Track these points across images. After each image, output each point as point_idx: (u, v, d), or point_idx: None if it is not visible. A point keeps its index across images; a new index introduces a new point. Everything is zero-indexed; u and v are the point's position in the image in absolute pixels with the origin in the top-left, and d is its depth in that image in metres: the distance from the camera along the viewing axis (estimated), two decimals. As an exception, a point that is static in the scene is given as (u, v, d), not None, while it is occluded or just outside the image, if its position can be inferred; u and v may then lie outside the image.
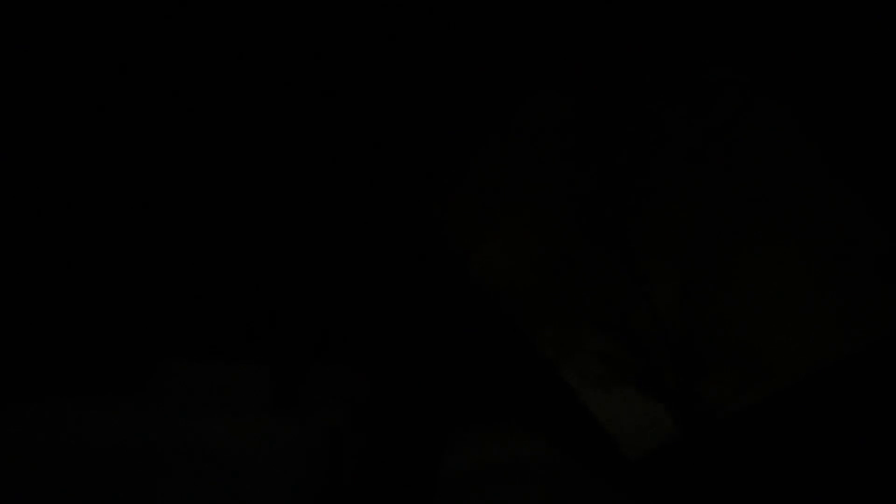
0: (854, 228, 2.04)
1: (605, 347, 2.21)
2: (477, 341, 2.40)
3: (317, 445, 1.99)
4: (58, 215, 2.42)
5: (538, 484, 2.05)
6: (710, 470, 2.08)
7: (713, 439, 2.09)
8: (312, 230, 2.52)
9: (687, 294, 2.18)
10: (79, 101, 2.48)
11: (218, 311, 2.42)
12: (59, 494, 1.75)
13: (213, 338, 2.37)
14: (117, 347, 2.31)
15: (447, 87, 2.55)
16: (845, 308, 2.11)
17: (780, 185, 2.22)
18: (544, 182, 2.38)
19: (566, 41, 2.42)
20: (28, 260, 2.35)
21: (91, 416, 1.92)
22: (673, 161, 2.32)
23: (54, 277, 2.35)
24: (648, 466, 2.13)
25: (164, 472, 1.83)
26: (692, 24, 2.36)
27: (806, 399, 2.11)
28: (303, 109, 2.56)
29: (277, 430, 2.01)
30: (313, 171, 2.53)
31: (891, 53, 2.14)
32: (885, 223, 2.04)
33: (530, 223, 2.36)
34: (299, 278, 2.47)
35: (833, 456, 2.04)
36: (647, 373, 2.16)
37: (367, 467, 2.07)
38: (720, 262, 2.19)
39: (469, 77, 2.54)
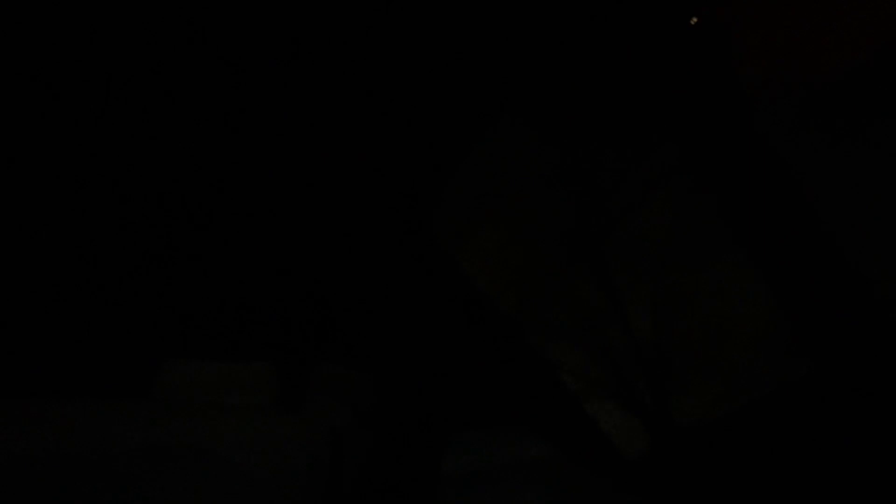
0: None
1: (581, 361, 2.30)
2: (476, 344, 2.49)
3: (319, 447, 2.08)
4: (58, 215, 2.50)
5: (539, 485, 2.14)
6: (707, 471, 2.19)
7: (688, 448, 2.19)
8: (314, 231, 2.58)
9: (658, 312, 2.25)
10: (77, 101, 2.52)
11: (221, 311, 2.51)
12: (60, 496, 1.86)
13: (216, 338, 2.46)
14: (119, 348, 2.42)
15: (439, 89, 2.54)
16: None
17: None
18: (524, 198, 2.42)
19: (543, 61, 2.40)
20: (28, 261, 2.45)
21: (92, 416, 2.00)
22: (644, 182, 2.33)
23: (55, 278, 2.44)
24: (647, 466, 2.23)
25: (165, 473, 1.93)
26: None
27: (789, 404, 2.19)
28: (298, 111, 2.57)
29: (280, 431, 2.09)
30: (315, 173, 2.56)
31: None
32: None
33: (513, 235, 2.42)
34: (302, 279, 2.55)
35: (819, 459, 2.13)
36: (620, 389, 2.25)
37: (369, 469, 2.19)
38: (690, 281, 2.24)
39: (460, 79, 2.52)
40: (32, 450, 1.95)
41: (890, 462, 2.03)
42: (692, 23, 2.29)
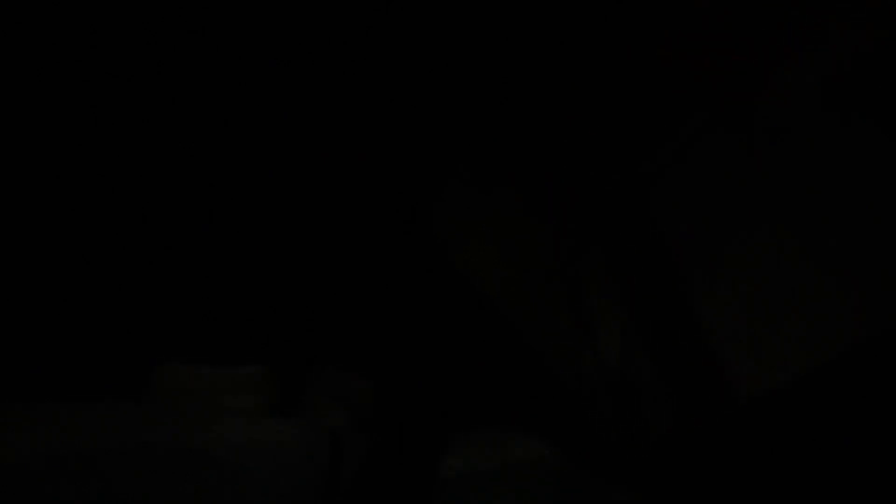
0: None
1: (575, 363, 2.31)
2: (474, 344, 2.47)
3: (317, 448, 2.03)
4: (53, 218, 2.46)
5: (538, 486, 2.10)
6: (708, 469, 2.16)
7: (686, 447, 2.18)
8: (312, 233, 2.57)
9: (627, 334, 2.28)
10: (76, 100, 2.53)
11: (219, 314, 2.46)
12: (56, 498, 1.77)
13: (213, 341, 2.41)
14: (117, 351, 2.35)
15: (439, 88, 2.60)
16: (777, 344, 2.20)
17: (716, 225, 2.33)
18: (509, 218, 2.47)
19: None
20: (24, 263, 2.40)
21: (89, 419, 1.94)
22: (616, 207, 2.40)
23: (51, 281, 2.39)
24: (647, 465, 2.19)
25: (162, 475, 1.86)
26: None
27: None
28: (297, 113, 2.61)
29: (278, 434, 2.04)
30: (314, 175, 2.58)
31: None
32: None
33: (508, 240, 2.46)
34: (299, 282, 2.53)
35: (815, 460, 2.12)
36: (589, 403, 2.26)
37: (367, 471, 2.13)
38: (659, 304, 2.28)
39: (460, 78, 2.59)
40: (28, 452, 1.89)
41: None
42: None
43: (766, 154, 2.29)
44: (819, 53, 2.22)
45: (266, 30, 2.53)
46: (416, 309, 2.50)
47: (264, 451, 1.93)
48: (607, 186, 2.42)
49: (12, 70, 2.42)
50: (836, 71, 2.21)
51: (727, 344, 2.18)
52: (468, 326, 2.48)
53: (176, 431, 1.91)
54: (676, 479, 2.15)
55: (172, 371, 2.12)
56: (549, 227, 2.46)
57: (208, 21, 2.52)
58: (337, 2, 2.54)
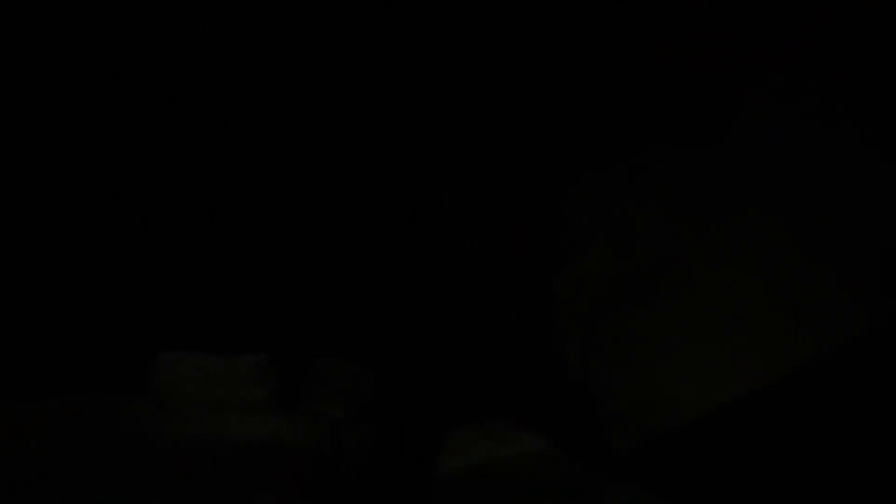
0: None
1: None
2: (472, 337, 2.49)
3: (317, 441, 2.03)
4: (53, 209, 2.45)
5: (538, 479, 2.11)
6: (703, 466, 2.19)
7: (683, 443, 2.21)
8: (312, 222, 2.58)
9: (589, 354, 2.31)
10: (74, 99, 2.52)
11: (218, 304, 2.46)
12: (54, 493, 1.77)
13: (212, 332, 2.40)
14: (114, 343, 2.34)
15: (440, 87, 2.62)
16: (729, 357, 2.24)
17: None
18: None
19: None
20: (21, 257, 2.38)
21: (86, 413, 1.93)
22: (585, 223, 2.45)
23: (47, 272, 2.38)
24: (643, 460, 2.21)
25: (160, 470, 1.86)
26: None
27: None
28: (294, 106, 2.61)
29: (277, 426, 2.03)
30: (313, 165, 2.58)
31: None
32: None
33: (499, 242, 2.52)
34: (300, 271, 2.53)
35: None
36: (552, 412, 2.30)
37: (368, 463, 2.13)
38: (621, 322, 2.32)
39: (460, 77, 2.61)
40: (24, 447, 1.88)
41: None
42: None
43: (745, 157, 2.33)
44: (817, 56, 2.27)
45: (266, 30, 2.54)
46: (416, 300, 2.51)
47: (264, 444, 1.93)
48: (587, 187, 2.46)
49: (12, 70, 2.41)
50: (834, 72, 2.25)
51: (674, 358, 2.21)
52: (465, 318, 2.49)
53: (174, 425, 1.91)
54: (675, 476, 2.17)
55: (172, 362, 2.11)
56: (545, 224, 2.49)
57: (208, 21, 2.53)
58: (337, 2, 2.55)
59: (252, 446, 1.91)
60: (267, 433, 1.95)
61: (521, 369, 2.39)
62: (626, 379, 2.23)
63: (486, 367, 2.40)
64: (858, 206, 2.18)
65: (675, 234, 2.34)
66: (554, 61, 2.52)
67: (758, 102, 2.33)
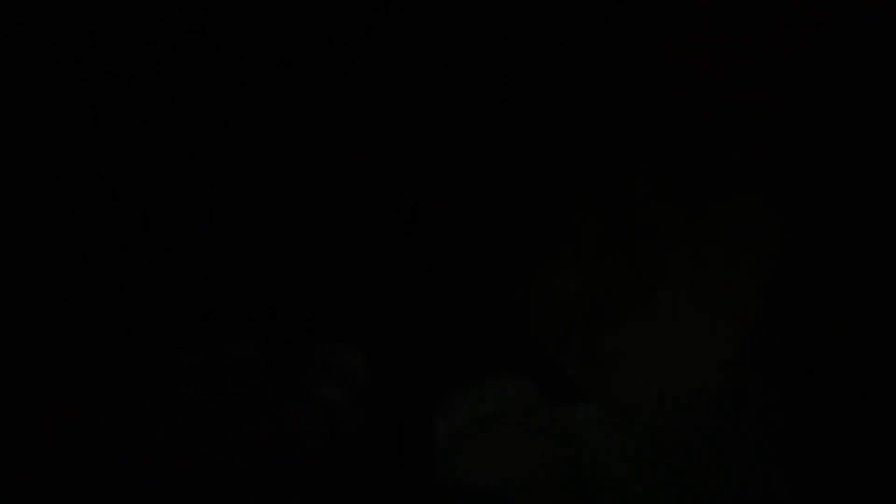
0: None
1: None
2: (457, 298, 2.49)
3: (316, 425, 2.04)
4: (55, 206, 2.45)
5: (526, 424, 2.13)
6: None
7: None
8: (314, 215, 2.58)
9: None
10: (77, 97, 2.52)
11: (216, 294, 2.46)
12: (63, 487, 1.77)
13: (207, 321, 2.40)
14: (109, 338, 2.34)
15: (440, 86, 2.62)
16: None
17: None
18: None
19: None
20: (24, 253, 2.38)
21: (85, 410, 1.94)
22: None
23: (49, 272, 2.38)
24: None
25: (161, 461, 1.86)
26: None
27: None
28: (295, 109, 2.62)
29: (276, 411, 2.04)
30: (309, 156, 2.58)
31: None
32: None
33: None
34: (295, 256, 2.53)
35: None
36: None
37: (367, 445, 2.14)
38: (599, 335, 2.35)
39: (460, 77, 2.61)
40: (30, 447, 1.88)
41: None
42: None
43: (745, 157, 2.33)
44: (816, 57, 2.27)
45: (266, 30, 2.54)
46: (413, 292, 2.52)
47: (264, 430, 1.94)
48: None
49: (12, 70, 2.41)
50: (834, 72, 2.26)
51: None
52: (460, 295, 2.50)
53: (172, 416, 1.91)
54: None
55: (170, 355, 2.12)
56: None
57: (208, 21, 2.53)
58: (337, 2, 2.56)
59: (251, 433, 1.92)
60: (266, 419, 1.97)
61: (520, 361, 2.40)
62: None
63: (481, 356, 2.41)
64: (858, 206, 2.19)
65: (674, 234, 2.35)
66: (554, 61, 2.52)
67: (758, 102, 2.33)
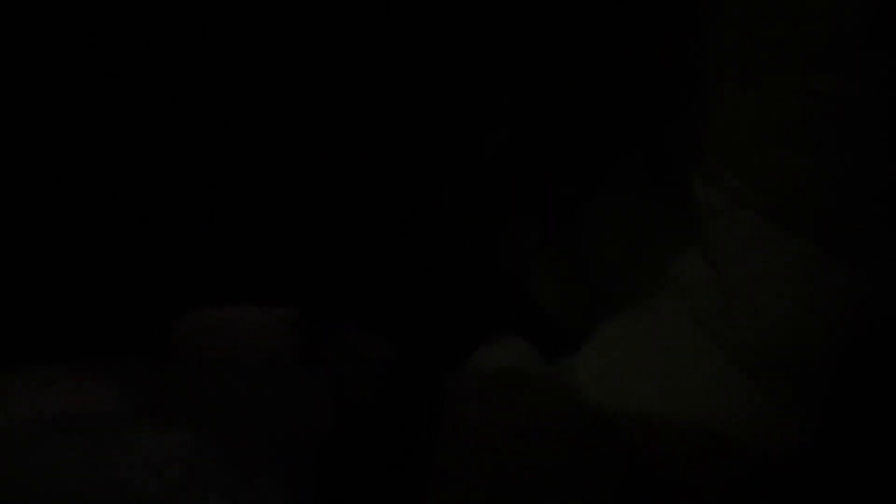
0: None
1: None
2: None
3: (329, 400, 2.03)
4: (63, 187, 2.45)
5: (527, 385, 2.14)
6: None
7: None
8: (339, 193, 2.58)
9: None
10: (76, 100, 2.54)
11: (245, 257, 2.44)
12: (65, 459, 1.75)
13: (240, 284, 2.37)
14: (131, 306, 2.31)
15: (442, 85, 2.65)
16: None
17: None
18: None
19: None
20: (35, 218, 2.36)
21: (96, 380, 1.91)
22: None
23: (56, 238, 2.36)
24: None
25: (165, 433, 1.85)
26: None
27: None
28: (296, 109, 2.64)
29: (292, 384, 2.04)
30: (343, 140, 2.59)
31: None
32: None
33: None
34: (327, 236, 2.52)
35: None
36: None
37: (375, 426, 2.14)
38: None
39: (462, 76, 2.64)
40: (43, 413, 1.88)
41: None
42: None
43: None
44: None
45: (266, 30, 2.57)
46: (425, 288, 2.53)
47: (270, 399, 1.92)
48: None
49: (12, 70, 2.44)
50: None
51: None
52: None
53: (182, 386, 1.89)
54: None
55: (196, 317, 2.11)
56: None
57: (208, 21, 2.56)
58: (337, 2, 2.58)
59: (259, 402, 1.91)
60: (281, 391, 1.95)
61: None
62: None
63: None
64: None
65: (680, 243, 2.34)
66: (554, 61, 2.54)
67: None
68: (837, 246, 1.67)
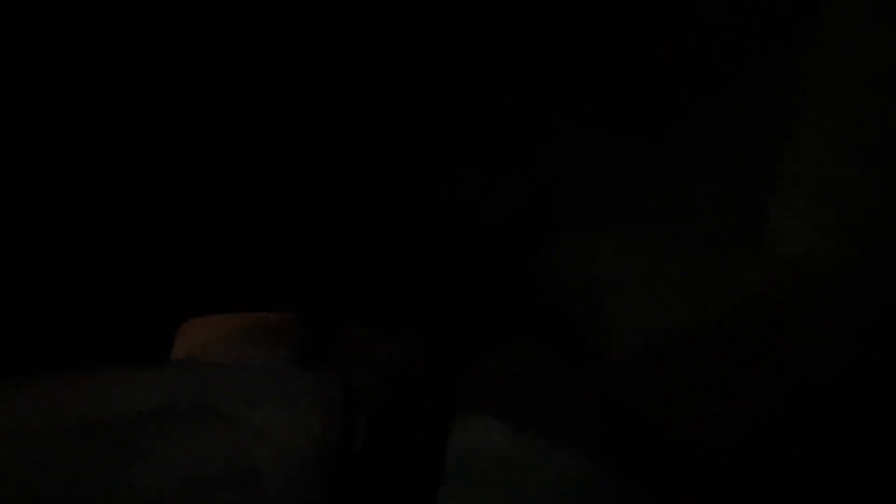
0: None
1: None
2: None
3: (335, 403, 2.01)
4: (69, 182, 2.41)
5: (542, 389, 2.14)
6: None
7: None
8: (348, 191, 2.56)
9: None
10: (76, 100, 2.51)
11: (245, 261, 2.41)
12: (67, 464, 1.73)
13: (240, 289, 2.35)
14: (137, 309, 2.29)
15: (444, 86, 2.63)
16: None
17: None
18: None
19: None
20: (36, 222, 2.33)
21: (99, 387, 1.90)
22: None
23: (59, 245, 2.33)
24: None
25: (171, 437, 1.83)
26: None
27: None
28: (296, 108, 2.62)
29: (296, 386, 2.01)
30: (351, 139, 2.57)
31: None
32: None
33: None
34: (331, 232, 2.50)
35: None
36: None
37: (383, 421, 2.12)
38: None
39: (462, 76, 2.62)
40: (33, 422, 1.84)
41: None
42: None
43: None
44: None
45: (266, 30, 2.55)
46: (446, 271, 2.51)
47: (277, 401, 1.90)
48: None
49: (12, 70, 2.40)
50: None
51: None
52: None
53: (188, 391, 1.87)
54: None
55: (197, 323, 2.10)
56: None
57: (208, 21, 2.53)
58: (337, 2, 2.56)
59: (265, 406, 1.88)
60: (280, 392, 1.93)
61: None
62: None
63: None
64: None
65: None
66: (554, 61, 2.53)
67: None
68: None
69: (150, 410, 1.79)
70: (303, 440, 1.85)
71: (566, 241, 2.41)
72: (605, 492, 1.89)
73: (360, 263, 2.50)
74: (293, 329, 2.12)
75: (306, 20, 2.51)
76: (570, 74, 2.52)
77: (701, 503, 1.93)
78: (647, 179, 2.35)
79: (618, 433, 2.00)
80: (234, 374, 1.94)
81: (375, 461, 2.02)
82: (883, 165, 1.89)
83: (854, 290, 1.92)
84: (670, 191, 2.29)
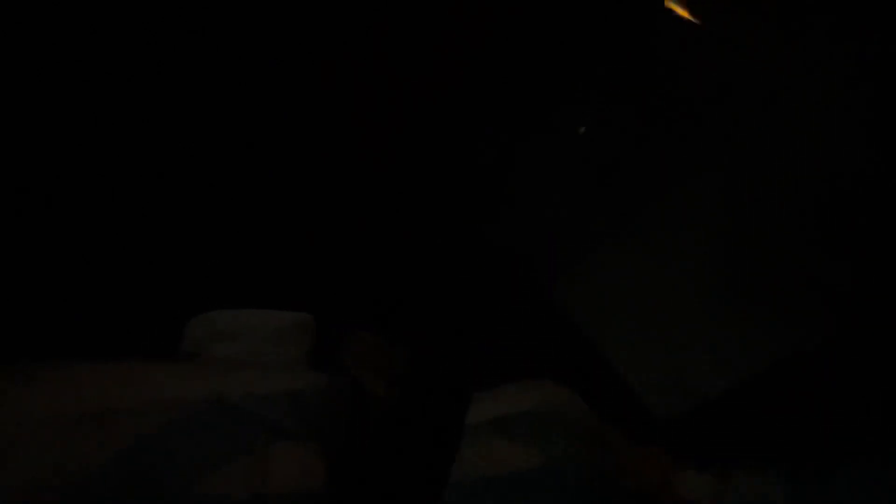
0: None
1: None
2: (502, 300, 2.49)
3: (344, 403, 2.01)
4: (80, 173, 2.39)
5: (559, 431, 2.14)
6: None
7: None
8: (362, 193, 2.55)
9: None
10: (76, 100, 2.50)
11: (261, 260, 2.40)
12: (79, 458, 1.73)
13: (254, 287, 2.33)
14: (147, 307, 2.27)
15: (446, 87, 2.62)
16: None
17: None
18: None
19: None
20: (49, 216, 2.32)
21: (112, 379, 1.89)
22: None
23: (73, 227, 2.31)
24: (674, 424, 2.25)
25: (182, 432, 1.82)
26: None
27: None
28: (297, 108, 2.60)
29: (307, 385, 2.01)
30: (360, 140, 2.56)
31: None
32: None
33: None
34: (344, 231, 2.48)
35: None
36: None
37: (391, 432, 2.11)
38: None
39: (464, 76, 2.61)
40: (45, 412, 1.84)
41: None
42: None
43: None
44: None
45: (266, 30, 2.54)
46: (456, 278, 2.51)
47: (289, 400, 1.90)
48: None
49: (12, 70, 2.39)
50: None
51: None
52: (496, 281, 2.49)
53: (198, 386, 1.87)
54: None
55: (210, 318, 2.08)
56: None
57: (208, 21, 2.52)
58: (337, 2, 2.55)
59: (274, 398, 1.87)
60: (289, 390, 1.92)
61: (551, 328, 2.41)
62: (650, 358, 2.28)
63: (516, 326, 2.41)
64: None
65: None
66: (554, 62, 2.53)
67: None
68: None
69: (161, 402, 1.78)
70: (311, 438, 1.85)
71: (578, 272, 2.42)
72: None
73: (375, 270, 2.49)
74: (309, 329, 2.12)
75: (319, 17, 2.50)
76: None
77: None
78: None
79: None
80: (248, 371, 1.94)
81: (381, 463, 2.01)
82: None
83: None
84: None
